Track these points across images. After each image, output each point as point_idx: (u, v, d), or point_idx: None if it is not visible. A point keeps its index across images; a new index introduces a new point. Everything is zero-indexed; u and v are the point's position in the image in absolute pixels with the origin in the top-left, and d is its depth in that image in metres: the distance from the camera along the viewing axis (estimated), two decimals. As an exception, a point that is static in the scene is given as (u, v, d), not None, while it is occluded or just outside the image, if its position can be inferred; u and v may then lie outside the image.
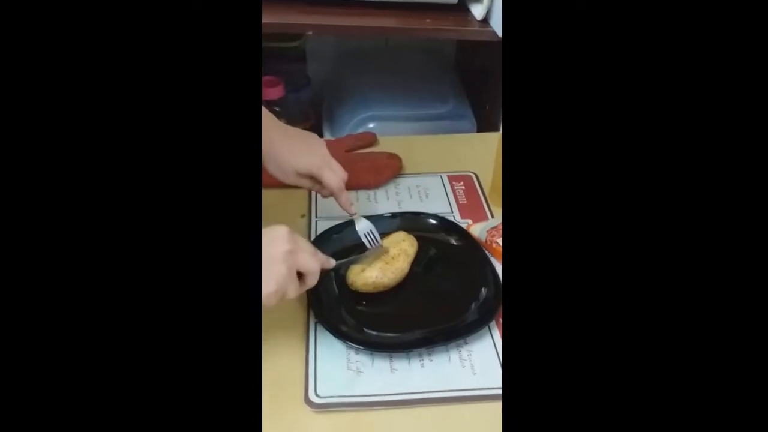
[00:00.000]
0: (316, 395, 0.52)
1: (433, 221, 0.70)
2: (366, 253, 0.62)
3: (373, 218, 0.69)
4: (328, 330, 0.56)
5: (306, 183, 0.64)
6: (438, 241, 0.67)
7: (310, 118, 1.29)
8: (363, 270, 0.60)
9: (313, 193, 0.74)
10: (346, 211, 0.65)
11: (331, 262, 0.55)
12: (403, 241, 0.63)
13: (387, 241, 0.63)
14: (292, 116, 1.11)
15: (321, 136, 1.18)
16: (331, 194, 0.64)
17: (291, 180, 0.63)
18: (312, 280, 0.52)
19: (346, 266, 0.61)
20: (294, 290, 0.50)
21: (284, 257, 0.48)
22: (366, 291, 0.60)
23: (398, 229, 0.66)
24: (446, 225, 0.69)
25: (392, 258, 0.61)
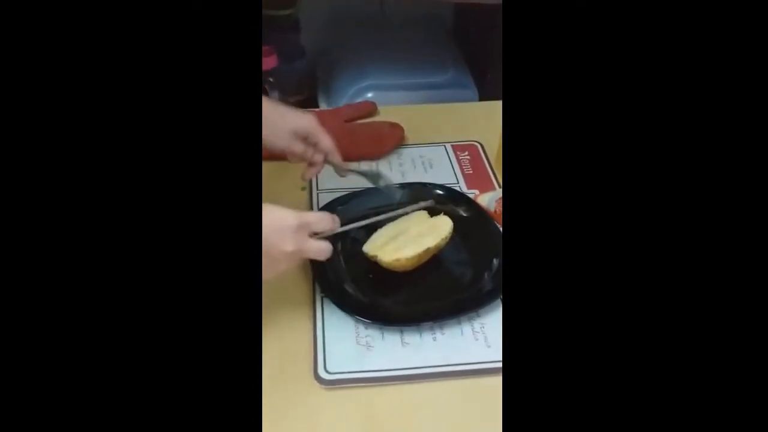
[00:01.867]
0: (326, 371, 0.50)
1: (441, 192, 0.67)
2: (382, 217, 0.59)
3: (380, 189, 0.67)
4: (335, 304, 0.54)
5: (298, 147, 0.62)
6: (447, 213, 0.65)
7: (304, 90, 1.25)
8: (398, 249, 0.56)
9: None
10: (342, 168, 0.64)
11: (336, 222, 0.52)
12: (446, 236, 0.58)
13: (430, 225, 0.60)
14: (285, 88, 1.08)
15: (316, 107, 1.15)
16: (320, 160, 0.63)
17: (284, 142, 0.61)
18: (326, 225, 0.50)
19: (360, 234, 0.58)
20: (314, 248, 0.48)
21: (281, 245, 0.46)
22: (392, 269, 0.57)
23: (408, 200, 0.64)
24: (454, 196, 0.67)
25: (430, 249, 0.57)
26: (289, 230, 0.46)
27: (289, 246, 0.46)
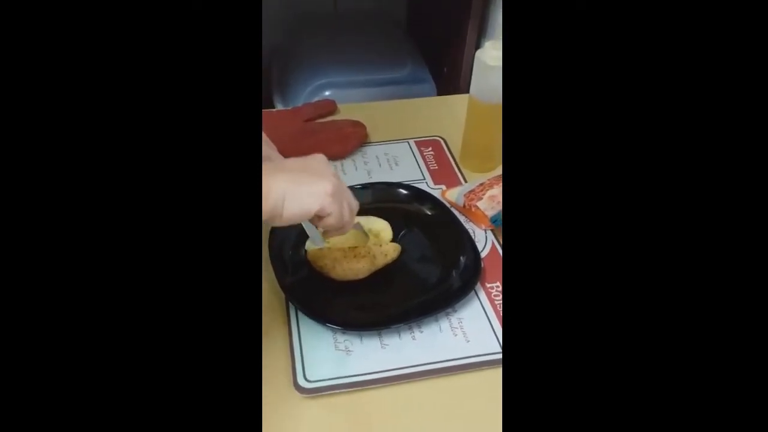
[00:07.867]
0: (306, 380, 0.49)
1: (404, 191, 0.67)
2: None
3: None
4: (308, 316, 0.53)
5: None
6: (411, 212, 0.64)
7: (258, 89, 1.22)
8: (346, 260, 0.55)
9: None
10: None
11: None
12: (388, 246, 0.59)
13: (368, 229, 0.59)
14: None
15: (272, 107, 1.12)
16: None
17: None
18: (353, 217, 0.49)
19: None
20: (348, 211, 0.47)
21: (333, 174, 0.47)
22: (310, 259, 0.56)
23: (372, 201, 0.63)
24: (418, 194, 0.66)
25: (378, 256, 0.57)
26: (323, 158, 0.48)
27: (329, 167, 0.47)
